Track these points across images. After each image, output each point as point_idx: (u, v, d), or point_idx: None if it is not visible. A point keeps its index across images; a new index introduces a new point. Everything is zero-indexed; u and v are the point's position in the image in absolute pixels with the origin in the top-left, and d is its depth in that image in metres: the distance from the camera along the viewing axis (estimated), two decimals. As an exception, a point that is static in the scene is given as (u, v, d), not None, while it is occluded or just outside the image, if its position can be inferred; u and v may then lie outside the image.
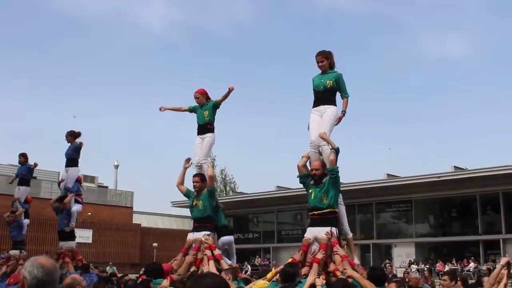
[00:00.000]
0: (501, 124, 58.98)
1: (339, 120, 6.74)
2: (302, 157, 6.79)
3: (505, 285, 5.96)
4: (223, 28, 69.08)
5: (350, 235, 7.20)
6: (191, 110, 8.48)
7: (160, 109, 8.83)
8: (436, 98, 61.58)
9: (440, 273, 24.66)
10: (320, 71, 6.97)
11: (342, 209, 7.08)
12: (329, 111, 6.73)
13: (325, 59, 6.82)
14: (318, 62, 6.86)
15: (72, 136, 11.08)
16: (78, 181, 11.75)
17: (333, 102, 6.82)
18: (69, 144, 11.14)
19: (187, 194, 7.97)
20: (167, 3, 69.28)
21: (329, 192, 6.38)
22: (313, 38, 65.25)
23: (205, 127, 8.28)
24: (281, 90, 68.44)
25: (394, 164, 60.50)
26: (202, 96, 8.27)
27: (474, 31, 62.19)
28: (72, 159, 11.13)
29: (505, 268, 6.26)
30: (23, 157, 12.55)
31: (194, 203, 7.75)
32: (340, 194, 7.14)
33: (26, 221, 12.62)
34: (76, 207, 11.16)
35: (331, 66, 6.88)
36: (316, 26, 64.60)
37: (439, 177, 28.86)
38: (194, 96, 8.31)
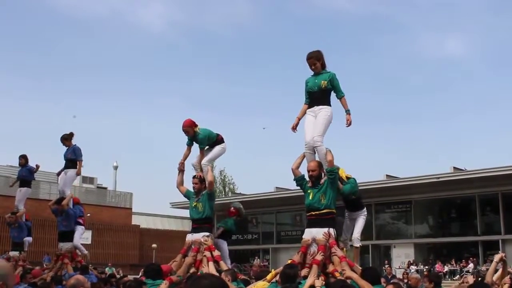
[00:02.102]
0: (500, 125, 59.13)
1: (348, 121, 6.66)
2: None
3: None
4: (223, 28, 69.20)
5: (358, 244, 7.36)
6: (190, 143, 8.25)
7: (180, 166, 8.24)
8: (435, 98, 61.76)
9: (439, 274, 24.64)
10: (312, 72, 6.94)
11: (361, 221, 7.54)
12: (323, 112, 6.69)
13: (317, 61, 6.77)
14: (310, 65, 6.82)
15: (67, 139, 11.05)
16: (78, 203, 12.06)
17: (327, 103, 6.78)
18: (67, 147, 11.14)
19: (187, 195, 8.00)
20: (166, 3, 69.37)
21: (327, 192, 6.38)
22: (313, 39, 65.32)
23: (213, 144, 8.20)
24: (280, 91, 68.54)
25: (394, 165, 60.70)
26: (191, 129, 8.03)
27: (473, 32, 62.36)
28: (71, 161, 11.14)
29: (502, 264, 6.27)
30: (24, 159, 12.54)
31: (194, 205, 7.76)
32: (365, 209, 7.67)
33: (28, 239, 12.57)
34: (79, 231, 11.38)
35: (323, 66, 6.83)
36: (316, 27, 64.73)
37: (438, 178, 28.85)
38: (183, 131, 8.05)
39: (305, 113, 6.87)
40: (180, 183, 8.07)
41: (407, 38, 65.00)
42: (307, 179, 6.60)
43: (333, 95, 6.85)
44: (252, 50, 69.64)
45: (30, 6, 61.20)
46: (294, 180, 6.75)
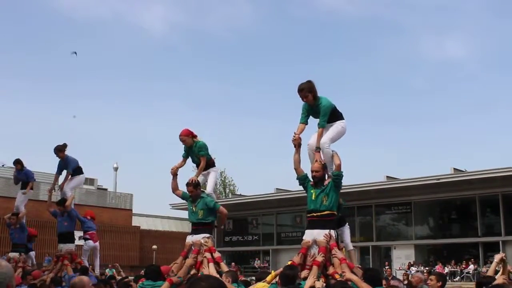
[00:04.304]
0: (500, 126, 59.11)
1: (319, 160, 6.50)
2: (294, 143, 6.69)
3: None
4: (223, 30, 69.22)
5: (351, 247, 7.65)
6: (186, 156, 8.21)
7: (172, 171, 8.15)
8: (436, 100, 61.74)
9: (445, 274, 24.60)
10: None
11: (347, 231, 7.83)
12: (337, 123, 6.71)
13: (309, 93, 6.62)
14: (302, 98, 6.67)
15: (61, 151, 11.02)
16: (92, 218, 12.65)
17: (339, 118, 6.77)
18: (61, 159, 11.12)
19: (184, 197, 7.94)
20: (168, 5, 69.43)
21: (330, 194, 6.37)
22: (313, 41, 65.39)
23: (206, 166, 8.17)
24: (281, 92, 68.55)
25: (394, 166, 60.61)
26: (188, 137, 7.98)
27: (474, 33, 62.37)
28: (75, 169, 11.19)
29: (501, 264, 6.27)
30: (19, 164, 12.53)
31: (192, 209, 7.70)
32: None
33: (32, 256, 12.71)
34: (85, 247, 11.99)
35: (315, 96, 6.66)
36: (316, 29, 64.75)
37: (439, 179, 28.84)
38: (180, 140, 8.01)
39: (302, 131, 6.77)
40: (175, 188, 7.99)
41: (407, 40, 65.05)
42: (310, 178, 6.59)
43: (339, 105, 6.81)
44: (253, 51, 69.74)
45: (30, 7, 61.29)
46: (296, 179, 6.71)
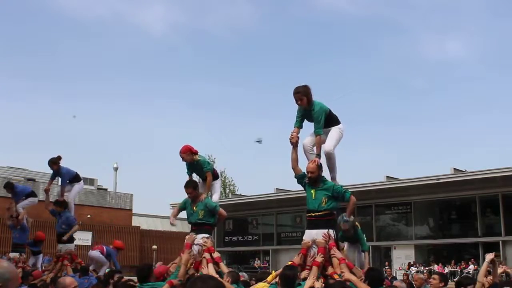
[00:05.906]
0: (500, 126, 59.11)
1: (316, 162, 6.46)
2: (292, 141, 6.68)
3: None
4: (223, 30, 69.22)
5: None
6: (190, 174, 8.16)
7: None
8: (436, 100, 61.73)
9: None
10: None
11: (361, 257, 8.14)
12: (335, 127, 6.72)
13: (304, 96, 6.62)
14: (296, 100, 6.67)
15: (55, 163, 10.95)
16: (117, 247, 12.82)
17: (336, 123, 6.77)
18: (55, 171, 11.08)
19: (182, 208, 7.90)
20: (168, 5, 69.43)
21: (330, 199, 6.37)
22: (314, 41, 65.40)
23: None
24: (280, 92, 68.52)
25: (394, 166, 60.61)
26: (186, 155, 7.92)
27: (474, 33, 62.34)
28: (71, 179, 11.19)
29: (492, 265, 6.28)
30: (9, 188, 12.54)
31: (192, 210, 7.64)
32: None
33: (39, 256, 12.75)
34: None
35: (309, 101, 6.65)
36: (317, 29, 64.76)
37: (439, 179, 28.87)
38: (180, 157, 7.97)
39: (298, 133, 6.76)
40: (177, 214, 8.04)
41: (407, 40, 65.04)
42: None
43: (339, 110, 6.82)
44: (253, 51, 69.74)
45: (31, 8, 61.29)
46: (295, 177, 6.71)
